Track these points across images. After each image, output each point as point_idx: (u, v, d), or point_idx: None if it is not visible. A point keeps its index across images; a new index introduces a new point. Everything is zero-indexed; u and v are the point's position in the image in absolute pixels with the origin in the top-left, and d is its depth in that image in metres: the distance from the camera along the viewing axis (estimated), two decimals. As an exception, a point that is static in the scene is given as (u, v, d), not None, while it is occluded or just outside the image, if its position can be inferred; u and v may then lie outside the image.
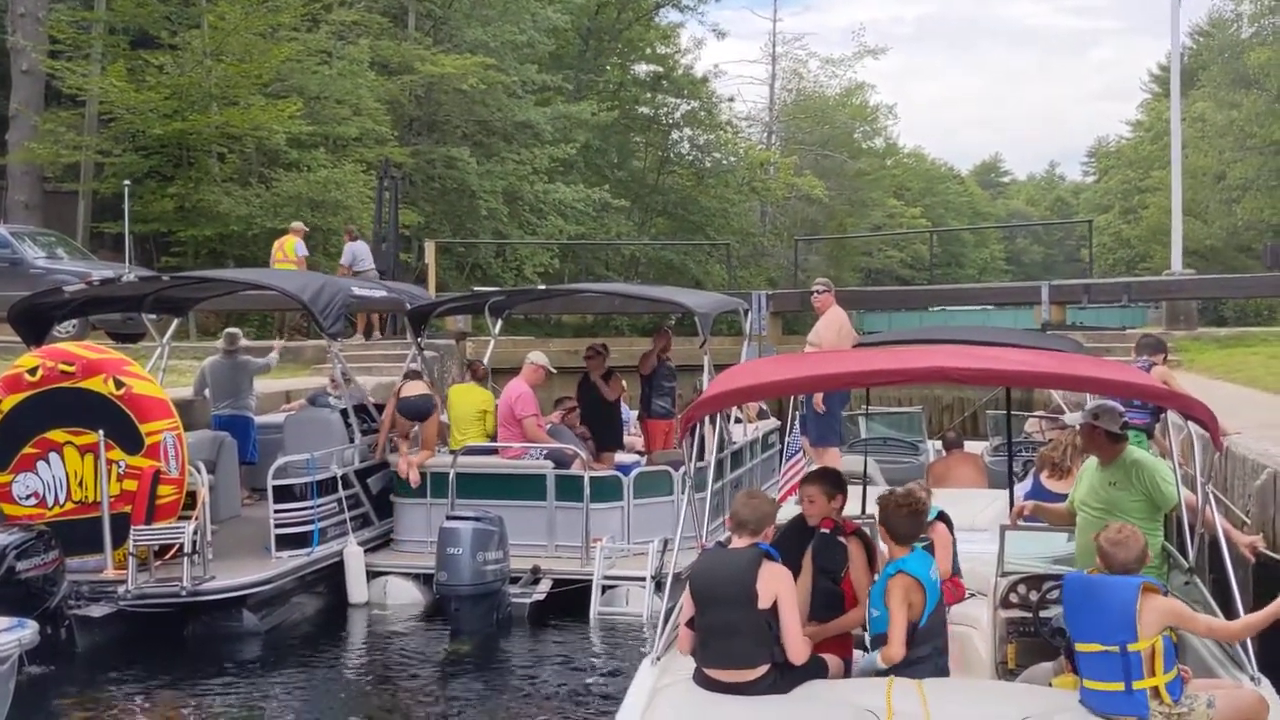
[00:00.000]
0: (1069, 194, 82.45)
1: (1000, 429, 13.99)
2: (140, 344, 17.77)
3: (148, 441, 10.64)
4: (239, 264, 26.99)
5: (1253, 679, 5.50)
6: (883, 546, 6.25)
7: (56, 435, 10.73)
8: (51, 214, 28.06)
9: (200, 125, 27.05)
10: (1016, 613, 7.13)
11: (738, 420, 14.70)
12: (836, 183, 50.15)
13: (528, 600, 11.09)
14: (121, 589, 10.15)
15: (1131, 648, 5.07)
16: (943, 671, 6.01)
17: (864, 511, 8.59)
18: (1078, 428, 6.90)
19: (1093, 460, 6.86)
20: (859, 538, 6.39)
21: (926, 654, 5.88)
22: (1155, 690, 5.08)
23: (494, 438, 12.55)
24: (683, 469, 11.07)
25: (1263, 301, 37.05)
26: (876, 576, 6.17)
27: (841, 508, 6.59)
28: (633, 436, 14.91)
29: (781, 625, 5.64)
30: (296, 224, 22.55)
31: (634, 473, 12.15)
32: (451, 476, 11.97)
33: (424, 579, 11.55)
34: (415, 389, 13.02)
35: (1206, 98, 48.37)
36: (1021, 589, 7.21)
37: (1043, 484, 9.68)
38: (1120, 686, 5.08)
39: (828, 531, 6.38)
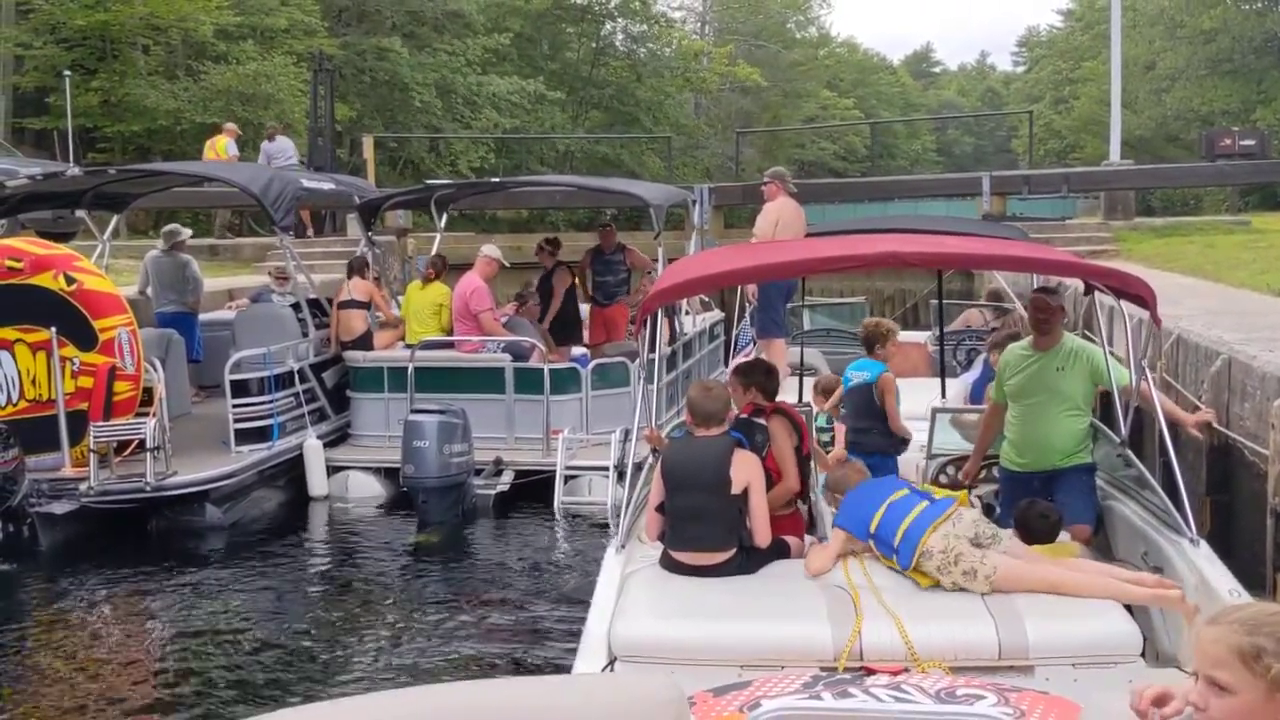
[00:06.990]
0: (999, 84, 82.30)
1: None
2: (71, 243, 17.35)
3: (102, 338, 10.51)
4: (167, 159, 26.27)
5: (1192, 542, 5.58)
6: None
7: (7, 333, 10.56)
8: (-30, 110, 27.25)
9: (123, 16, 26.24)
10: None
11: (686, 312, 14.80)
12: (770, 74, 49.66)
13: (492, 492, 11.18)
14: (83, 486, 10.09)
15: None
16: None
17: (800, 400, 8.85)
18: (1027, 315, 6.87)
19: (1018, 351, 6.76)
20: (781, 415, 6.50)
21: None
22: None
23: (450, 332, 12.53)
24: (639, 360, 11.18)
25: (1189, 191, 37.60)
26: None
27: (769, 394, 6.70)
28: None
29: (751, 509, 5.81)
30: (230, 125, 21.82)
31: (591, 364, 12.23)
32: (410, 371, 11.93)
33: (385, 473, 11.61)
34: (359, 288, 12.94)
35: (1138, -14, 48.42)
36: (950, 470, 7.52)
37: (994, 367, 9.83)
38: None
39: (746, 416, 6.51)
